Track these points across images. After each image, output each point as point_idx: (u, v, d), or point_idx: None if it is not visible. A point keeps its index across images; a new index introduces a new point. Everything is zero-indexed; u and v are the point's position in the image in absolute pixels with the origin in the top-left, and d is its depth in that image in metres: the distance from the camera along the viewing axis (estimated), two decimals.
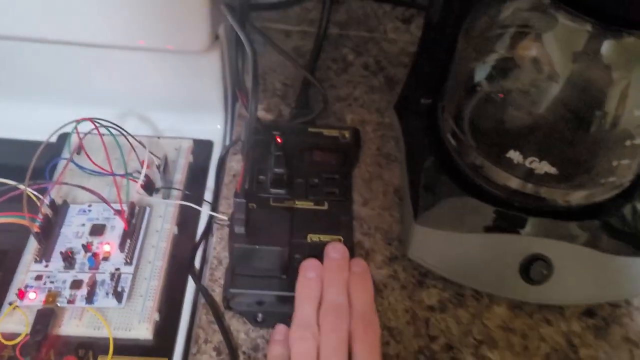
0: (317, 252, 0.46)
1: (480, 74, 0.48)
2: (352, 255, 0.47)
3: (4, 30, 0.49)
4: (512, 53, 0.46)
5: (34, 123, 0.57)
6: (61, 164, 0.53)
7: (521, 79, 0.45)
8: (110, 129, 0.47)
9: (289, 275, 0.45)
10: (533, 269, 0.47)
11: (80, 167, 0.48)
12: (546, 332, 0.49)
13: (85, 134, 0.48)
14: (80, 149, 0.51)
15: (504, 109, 0.46)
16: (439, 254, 0.50)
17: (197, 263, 0.50)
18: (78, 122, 0.46)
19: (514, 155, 0.45)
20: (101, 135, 0.48)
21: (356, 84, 0.65)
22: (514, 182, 0.47)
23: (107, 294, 0.45)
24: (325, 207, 0.50)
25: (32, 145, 0.47)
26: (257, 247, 0.42)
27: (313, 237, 0.48)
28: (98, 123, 0.46)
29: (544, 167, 0.44)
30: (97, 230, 0.49)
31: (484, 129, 0.49)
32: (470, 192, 0.50)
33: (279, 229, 0.43)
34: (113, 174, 0.47)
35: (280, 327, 0.45)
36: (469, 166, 0.50)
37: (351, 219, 0.49)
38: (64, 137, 0.54)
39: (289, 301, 0.44)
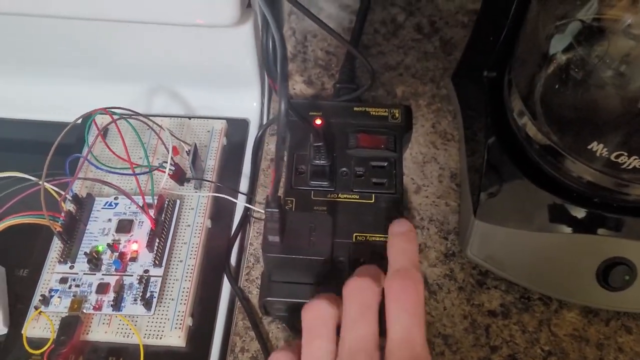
0: (364, 253, 0.41)
1: (558, 44, 0.40)
2: None
3: (31, 7, 0.44)
4: (600, 18, 0.38)
5: (59, 102, 0.53)
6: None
7: (610, 53, 0.37)
8: (129, 116, 0.43)
9: (331, 282, 0.40)
10: (613, 274, 0.41)
11: (96, 166, 0.44)
12: (625, 341, 0.43)
13: (108, 124, 0.43)
14: (101, 140, 0.47)
15: (586, 90, 0.39)
16: (502, 254, 0.44)
17: (232, 260, 0.46)
18: (93, 113, 0.41)
19: (597, 147, 0.37)
20: (117, 125, 0.43)
21: (407, 49, 0.58)
22: (594, 175, 0.40)
23: (135, 299, 0.42)
24: (372, 200, 0.44)
25: (57, 126, 0.43)
26: (293, 256, 0.37)
27: (359, 237, 0.42)
28: (114, 113, 0.41)
29: (633, 162, 0.37)
30: (124, 226, 0.45)
31: (559, 112, 0.42)
32: (540, 183, 0.44)
33: (320, 234, 0.38)
34: (134, 173, 0.42)
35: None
36: (538, 152, 0.43)
37: (401, 214, 0.43)
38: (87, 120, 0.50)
39: None
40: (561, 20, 0.39)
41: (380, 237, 0.42)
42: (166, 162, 0.45)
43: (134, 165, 0.44)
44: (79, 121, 0.44)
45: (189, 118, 0.52)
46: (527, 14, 0.41)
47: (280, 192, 0.45)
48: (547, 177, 0.43)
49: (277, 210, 0.34)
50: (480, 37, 0.49)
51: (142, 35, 0.49)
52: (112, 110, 0.42)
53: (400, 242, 0.35)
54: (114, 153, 0.45)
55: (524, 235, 0.43)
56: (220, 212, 0.48)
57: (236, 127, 0.53)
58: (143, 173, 0.45)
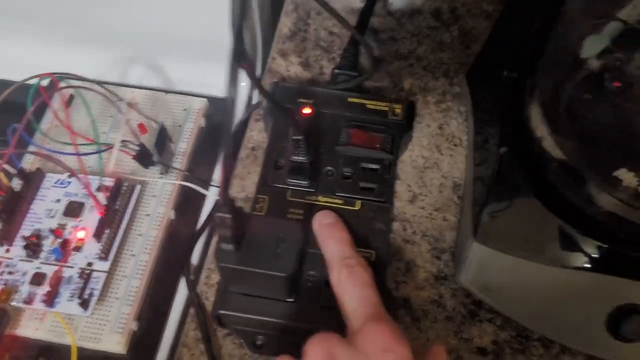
0: None
1: (592, 46, 0.33)
2: (383, 278, 0.36)
3: None
4: None
5: (19, 60, 0.47)
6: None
7: None
8: (83, 84, 0.37)
9: (297, 298, 0.35)
10: (627, 323, 0.35)
11: (30, 141, 0.38)
12: None
13: (54, 91, 0.37)
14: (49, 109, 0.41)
15: (621, 104, 0.32)
16: (501, 285, 0.38)
17: (194, 259, 0.41)
18: (41, 78, 0.35)
19: (626, 176, 0.31)
20: (63, 95, 0.37)
21: (422, 37, 0.51)
22: (618, 207, 0.34)
23: (71, 296, 0.37)
24: (357, 207, 0.38)
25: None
26: (249, 269, 0.31)
27: None
28: (62, 79, 0.36)
29: None
30: (73, 210, 0.40)
31: (584, 127, 0.35)
32: (553, 208, 0.37)
33: (288, 246, 0.32)
34: (77, 152, 0.36)
35: None
36: (555, 171, 0.37)
37: (389, 228, 0.38)
38: (53, 85, 0.44)
39: (297, 332, 0.34)
40: (600, 18, 0.33)
41: (361, 252, 0.36)
42: (127, 141, 0.39)
43: (91, 142, 0.39)
44: (32, 81, 0.38)
45: (165, 92, 0.46)
46: (564, 5, 0.35)
47: (254, 188, 0.39)
48: (563, 201, 0.37)
49: (228, 215, 0.28)
50: (505, 31, 0.43)
51: None
52: (64, 77, 0.36)
53: (333, 230, 0.35)
54: (65, 125, 0.39)
55: (528, 266, 0.37)
56: (187, 203, 0.43)
57: (218, 108, 0.47)
58: (92, 153, 0.40)
